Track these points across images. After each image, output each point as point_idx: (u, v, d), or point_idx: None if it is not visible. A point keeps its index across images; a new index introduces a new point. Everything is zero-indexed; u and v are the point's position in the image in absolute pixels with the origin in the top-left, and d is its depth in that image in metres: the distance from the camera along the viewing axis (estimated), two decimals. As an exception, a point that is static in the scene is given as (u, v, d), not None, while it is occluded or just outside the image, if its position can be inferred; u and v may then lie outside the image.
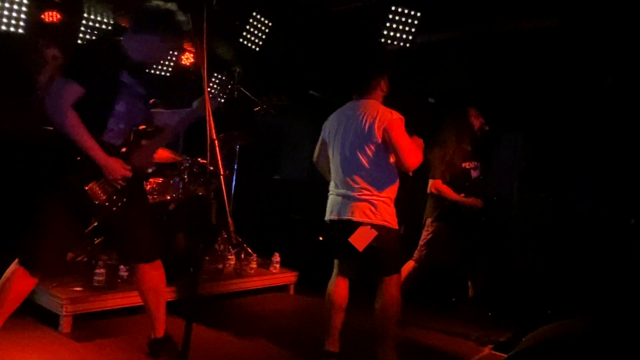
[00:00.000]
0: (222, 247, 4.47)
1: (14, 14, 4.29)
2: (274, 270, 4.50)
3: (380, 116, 2.83)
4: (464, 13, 4.45)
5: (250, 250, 4.59)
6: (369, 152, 2.83)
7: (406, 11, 4.35)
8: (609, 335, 2.15)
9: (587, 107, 4.56)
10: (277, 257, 4.53)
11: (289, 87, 5.74)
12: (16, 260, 2.41)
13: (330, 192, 3.05)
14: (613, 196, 4.42)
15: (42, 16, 4.60)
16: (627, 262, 3.77)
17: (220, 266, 4.27)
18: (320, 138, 3.14)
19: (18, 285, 2.38)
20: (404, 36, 4.41)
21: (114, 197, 2.41)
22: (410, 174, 2.96)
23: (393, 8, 4.36)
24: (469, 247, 3.95)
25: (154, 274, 2.64)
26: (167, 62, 5.35)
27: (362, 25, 4.81)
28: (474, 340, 3.77)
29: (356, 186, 2.85)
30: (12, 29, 4.30)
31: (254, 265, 4.41)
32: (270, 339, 3.40)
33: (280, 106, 5.42)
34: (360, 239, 2.79)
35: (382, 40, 4.44)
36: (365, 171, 2.84)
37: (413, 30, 4.39)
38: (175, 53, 5.61)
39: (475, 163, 3.94)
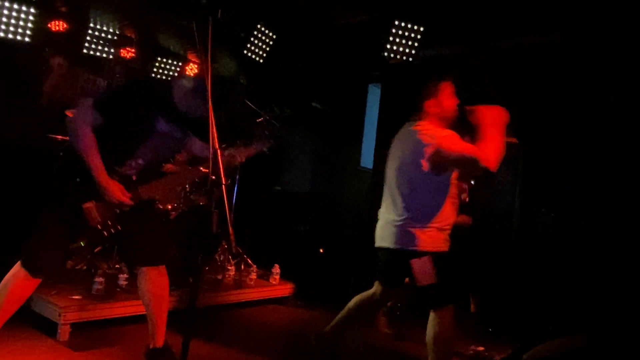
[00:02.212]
0: (222, 257, 4.46)
1: (21, 23, 4.33)
2: (274, 282, 4.48)
3: (419, 143, 2.66)
4: (467, 28, 4.49)
5: (250, 261, 4.58)
6: (411, 179, 2.73)
7: (409, 26, 4.39)
8: (611, 351, 2.13)
9: (589, 122, 4.57)
10: (277, 269, 4.51)
11: (291, 98, 5.77)
12: (18, 262, 2.42)
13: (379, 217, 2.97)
14: (616, 211, 4.41)
15: (49, 25, 4.65)
16: (630, 278, 3.75)
17: (220, 277, 4.25)
18: None
19: (19, 287, 2.40)
20: (407, 50, 4.44)
21: (109, 222, 2.43)
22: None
23: (396, 22, 4.39)
24: (466, 262, 3.95)
25: (159, 279, 2.64)
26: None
27: (365, 39, 4.85)
28: (475, 356, 3.73)
29: (399, 213, 2.76)
30: (18, 37, 4.35)
31: (253, 276, 4.39)
32: (269, 351, 3.37)
33: (282, 118, 5.44)
34: (422, 274, 2.64)
35: (385, 54, 4.47)
36: (406, 198, 2.74)
37: (416, 44, 4.42)
38: (180, 64, 5.66)
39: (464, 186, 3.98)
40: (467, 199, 4.00)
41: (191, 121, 2.59)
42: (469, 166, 2.60)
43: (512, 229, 5.33)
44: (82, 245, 2.48)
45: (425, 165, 2.64)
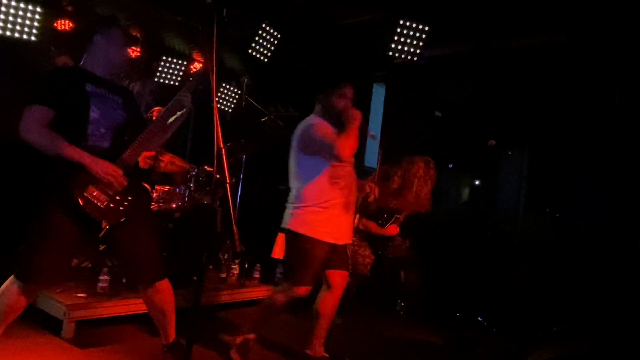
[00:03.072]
0: (226, 256, 4.47)
1: (27, 22, 4.35)
2: (278, 281, 4.48)
3: (296, 131, 3.03)
4: (472, 28, 4.48)
5: (253, 261, 4.58)
6: (293, 163, 3.04)
7: (414, 25, 4.38)
8: (615, 353, 2.13)
9: (595, 124, 4.56)
10: (281, 269, 4.51)
11: (296, 98, 5.77)
12: (12, 275, 2.36)
13: None
14: (619, 212, 4.39)
15: (55, 24, 4.67)
16: (633, 280, 3.74)
17: (224, 275, 4.26)
18: None
19: (14, 301, 2.35)
20: (412, 49, 4.43)
21: (117, 197, 2.40)
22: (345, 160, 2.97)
23: (401, 22, 4.39)
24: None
25: (158, 295, 2.61)
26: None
27: (370, 38, 4.85)
28: (479, 357, 3.73)
29: (290, 196, 3.07)
30: (24, 36, 4.37)
31: (257, 275, 4.40)
32: (272, 349, 3.38)
33: (287, 117, 5.45)
34: (279, 247, 2.99)
35: (390, 53, 4.46)
36: (292, 182, 3.05)
37: (421, 44, 4.41)
38: (185, 63, 5.68)
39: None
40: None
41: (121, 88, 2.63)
42: (326, 151, 2.89)
43: (515, 229, 5.32)
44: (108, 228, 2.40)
45: (298, 148, 2.98)
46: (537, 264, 4.92)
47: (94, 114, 2.40)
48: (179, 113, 2.61)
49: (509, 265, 4.92)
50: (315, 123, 2.99)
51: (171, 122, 2.62)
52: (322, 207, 2.94)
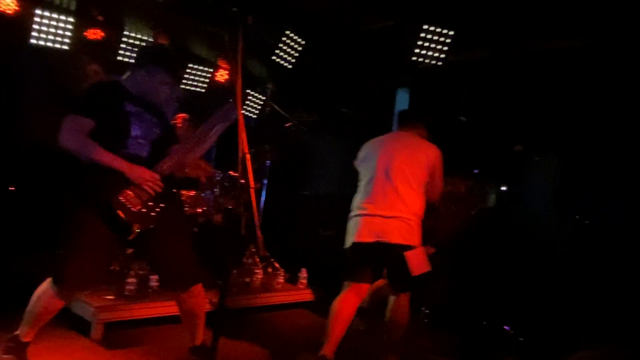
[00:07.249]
0: (250, 260, 4.50)
1: (60, 32, 4.51)
2: (301, 286, 4.49)
3: (429, 150, 3.23)
4: (497, 32, 4.43)
5: (277, 265, 4.60)
6: (415, 175, 3.15)
7: (438, 30, 4.36)
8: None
9: (626, 129, 4.44)
10: (304, 273, 4.53)
11: (319, 104, 5.79)
12: (48, 279, 2.44)
13: (357, 214, 3.20)
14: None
15: (86, 33, 4.81)
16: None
17: (248, 280, 4.29)
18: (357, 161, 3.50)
19: (51, 303, 2.43)
20: (436, 55, 4.41)
21: (150, 203, 2.46)
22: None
23: (425, 27, 4.37)
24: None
25: (191, 300, 2.66)
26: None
27: (393, 43, 4.84)
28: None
29: (398, 208, 3.09)
30: (57, 45, 4.52)
31: (281, 280, 4.42)
32: (295, 354, 3.39)
33: (311, 122, 5.47)
34: (418, 264, 3.03)
35: (414, 58, 4.44)
36: (409, 193, 3.12)
37: (445, 49, 4.38)
38: (210, 70, 5.77)
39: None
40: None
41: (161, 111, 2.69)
42: (437, 188, 3.26)
43: (545, 236, 5.21)
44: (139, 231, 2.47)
45: (428, 170, 3.19)
46: (566, 272, 4.81)
47: (135, 132, 2.49)
48: (218, 126, 2.66)
49: (537, 273, 4.82)
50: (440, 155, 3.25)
51: (210, 136, 2.69)
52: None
